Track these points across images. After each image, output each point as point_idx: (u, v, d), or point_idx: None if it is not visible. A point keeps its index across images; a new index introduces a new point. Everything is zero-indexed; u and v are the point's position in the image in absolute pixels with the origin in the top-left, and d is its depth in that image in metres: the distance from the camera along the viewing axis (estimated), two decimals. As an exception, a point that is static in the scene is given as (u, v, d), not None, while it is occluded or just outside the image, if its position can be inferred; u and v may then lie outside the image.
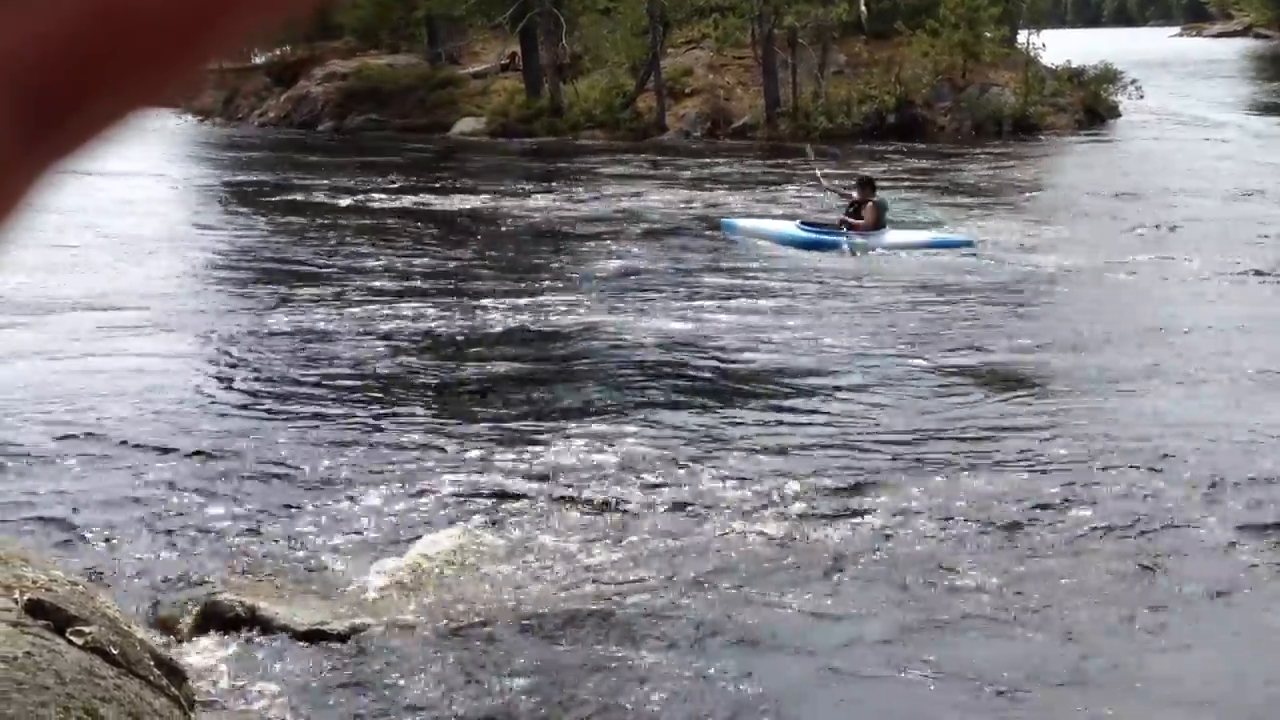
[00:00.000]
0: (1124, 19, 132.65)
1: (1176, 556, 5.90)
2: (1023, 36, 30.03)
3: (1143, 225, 15.40)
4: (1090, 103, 30.02)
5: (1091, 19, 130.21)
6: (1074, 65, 30.91)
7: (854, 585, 5.63)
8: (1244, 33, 74.24)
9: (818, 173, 15.73)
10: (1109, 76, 30.88)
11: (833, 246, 13.72)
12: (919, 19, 29.16)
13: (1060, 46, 31.18)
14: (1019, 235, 14.89)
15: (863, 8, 30.99)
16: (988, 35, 29.23)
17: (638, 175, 21.87)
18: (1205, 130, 27.63)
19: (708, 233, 15.11)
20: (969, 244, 13.84)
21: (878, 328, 10.44)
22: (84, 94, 0.27)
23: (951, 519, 6.29)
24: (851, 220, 14.00)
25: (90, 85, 0.27)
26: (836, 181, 15.83)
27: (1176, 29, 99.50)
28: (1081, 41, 41.29)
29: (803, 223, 14.52)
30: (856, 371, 9.14)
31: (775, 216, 15.88)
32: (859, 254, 13.51)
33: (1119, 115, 30.18)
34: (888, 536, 6.10)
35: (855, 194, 14.32)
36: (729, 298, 11.66)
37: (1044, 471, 6.94)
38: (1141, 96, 30.60)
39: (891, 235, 13.93)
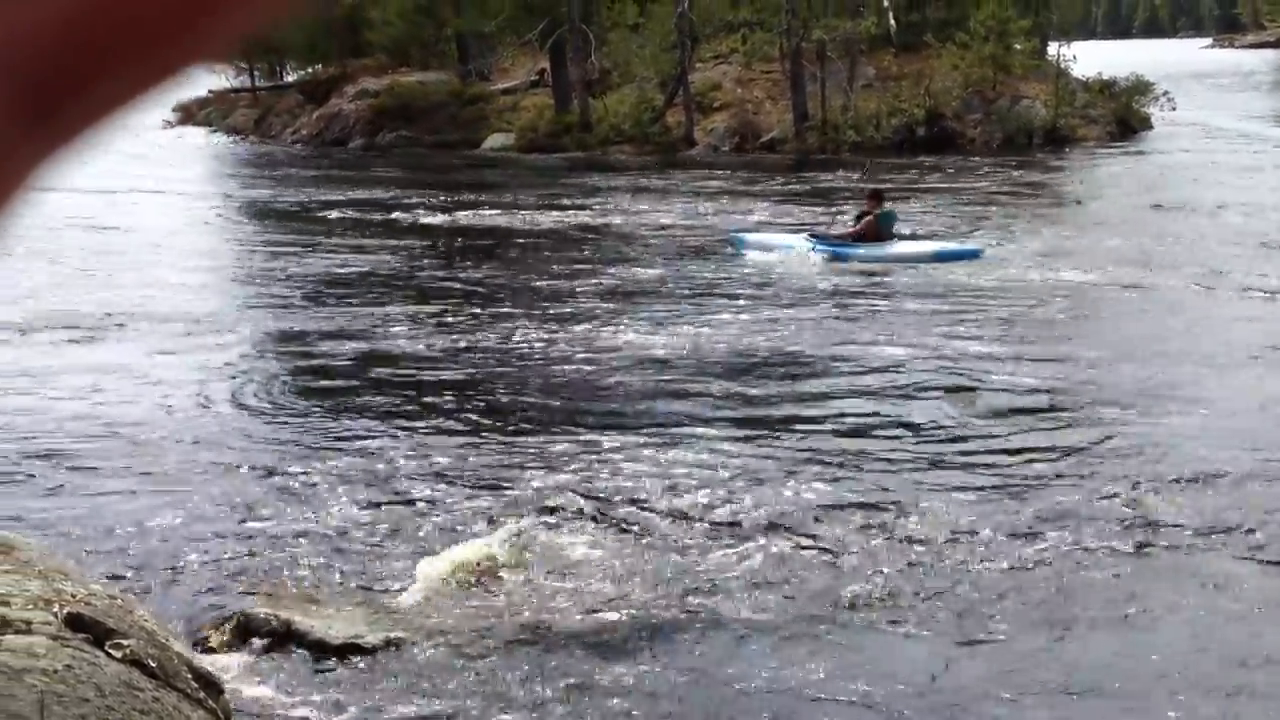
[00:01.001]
0: (1155, 30, 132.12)
1: (1226, 569, 5.84)
2: (1053, 48, 29.89)
3: (1174, 238, 15.27)
4: (1122, 114, 29.84)
5: (1122, 30, 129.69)
6: (1105, 77, 30.72)
7: (884, 595, 5.60)
8: (1276, 44, 73.74)
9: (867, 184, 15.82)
10: (1140, 88, 30.68)
11: (841, 258, 13.92)
12: (948, 31, 29.10)
13: (1091, 58, 31.00)
14: (1045, 247, 14.79)
15: (891, 21, 30.97)
16: (1018, 47, 29.13)
17: (666, 190, 21.89)
18: (1239, 142, 27.40)
19: (727, 247, 15.13)
20: (977, 254, 13.87)
21: (893, 340, 10.39)
22: (83, 81, 0.27)
23: (971, 533, 6.26)
24: (854, 231, 14.28)
25: (89, 73, 0.27)
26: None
27: (1208, 40, 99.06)
28: (1112, 53, 41.09)
29: (812, 234, 14.80)
30: (876, 384, 9.10)
31: (790, 229, 15.99)
32: (866, 265, 13.68)
33: (1151, 127, 29.98)
34: (922, 549, 6.07)
35: (864, 204, 14.55)
36: (750, 311, 11.67)
37: (1071, 485, 6.90)
38: (1174, 108, 30.39)
39: (899, 246, 14.12)
